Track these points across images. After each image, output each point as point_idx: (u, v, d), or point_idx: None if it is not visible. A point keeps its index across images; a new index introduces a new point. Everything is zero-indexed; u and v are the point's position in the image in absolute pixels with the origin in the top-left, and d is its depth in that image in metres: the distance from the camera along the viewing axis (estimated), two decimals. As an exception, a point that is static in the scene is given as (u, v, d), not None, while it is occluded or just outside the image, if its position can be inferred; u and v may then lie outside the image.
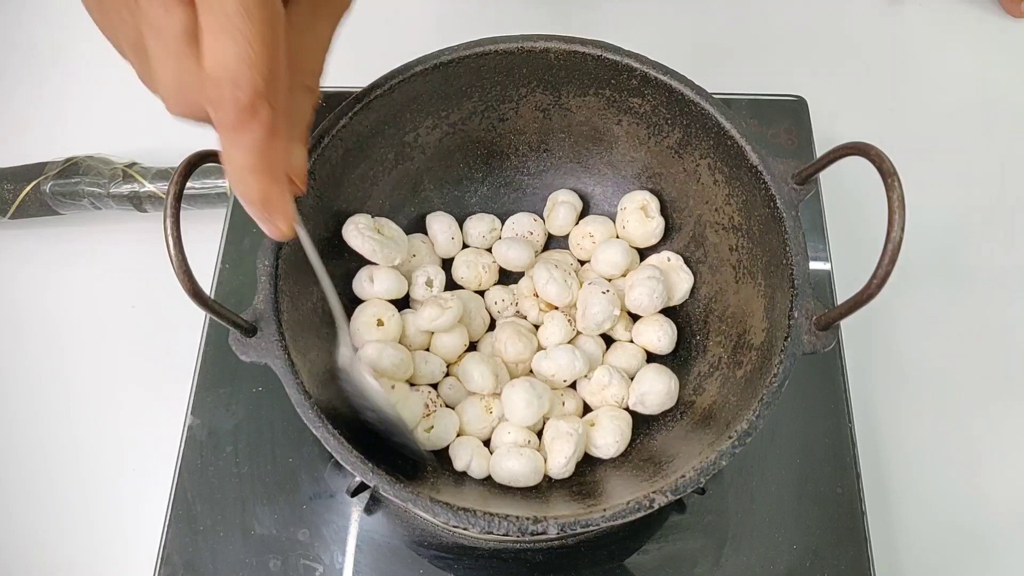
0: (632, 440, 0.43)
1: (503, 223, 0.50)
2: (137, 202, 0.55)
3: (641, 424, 0.44)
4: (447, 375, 0.45)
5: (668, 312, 0.47)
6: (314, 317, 0.41)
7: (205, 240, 0.53)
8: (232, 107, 0.24)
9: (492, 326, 0.47)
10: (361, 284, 0.45)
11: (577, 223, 0.49)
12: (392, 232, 0.45)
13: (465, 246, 0.49)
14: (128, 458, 0.51)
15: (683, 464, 0.36)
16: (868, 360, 0.53)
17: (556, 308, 0.46)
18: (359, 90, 0.42)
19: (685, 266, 0.47)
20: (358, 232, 0.43)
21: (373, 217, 0.44)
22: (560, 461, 0.41)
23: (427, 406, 0.43)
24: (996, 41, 0.67)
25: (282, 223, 0.30)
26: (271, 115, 0.25)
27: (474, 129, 0.47)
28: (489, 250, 0.49)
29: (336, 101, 0.41)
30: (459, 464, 0.42)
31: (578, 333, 0.46)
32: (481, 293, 0.48)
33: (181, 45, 0.24)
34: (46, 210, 0.56)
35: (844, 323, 0.37)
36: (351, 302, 0.45)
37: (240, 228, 0.53)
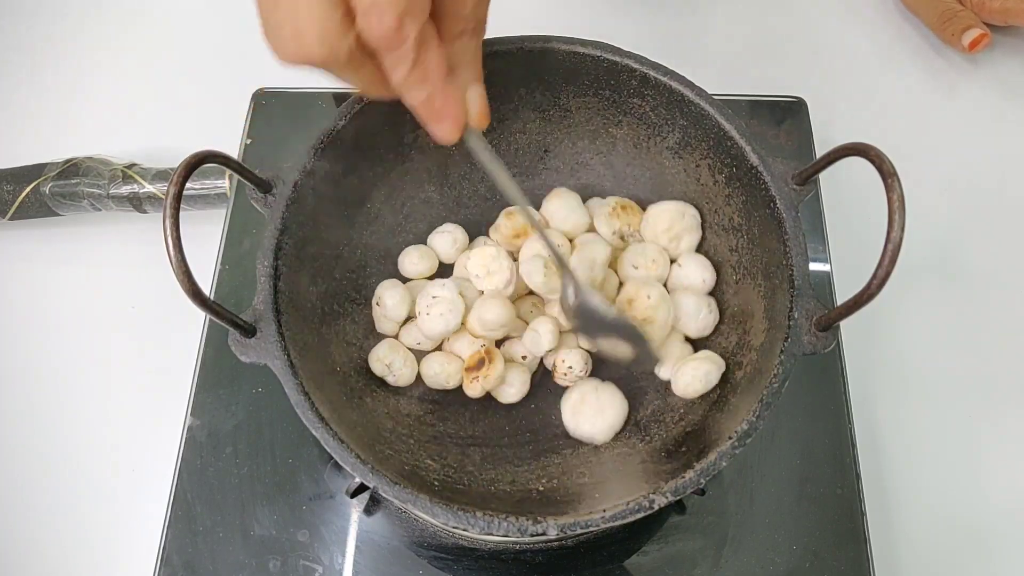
0: (632, 442, 0.43)
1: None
2: (137, 203, 0.55)
3: (641, 425, 0.44)
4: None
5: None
6: (313, 318, 0.41)
7: (205, 241, 0.53)
8: (382, 29, 0.28)
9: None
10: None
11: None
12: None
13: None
14: (128, 459, 0.51)
15: (682, 465, 0.36)
16: (868, 360, 0.52)
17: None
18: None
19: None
20: None
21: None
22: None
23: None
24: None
25: (448, 127, 0.34)
26: (416, 27, 0.29)
27: (474, 130, 0.47)
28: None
29: (336, 101, 0.41)
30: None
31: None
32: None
33: None
34: (46, 211, 0.56)
35: (844, 323, 0.37)
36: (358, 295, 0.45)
37: (240, 229, 0.53)
